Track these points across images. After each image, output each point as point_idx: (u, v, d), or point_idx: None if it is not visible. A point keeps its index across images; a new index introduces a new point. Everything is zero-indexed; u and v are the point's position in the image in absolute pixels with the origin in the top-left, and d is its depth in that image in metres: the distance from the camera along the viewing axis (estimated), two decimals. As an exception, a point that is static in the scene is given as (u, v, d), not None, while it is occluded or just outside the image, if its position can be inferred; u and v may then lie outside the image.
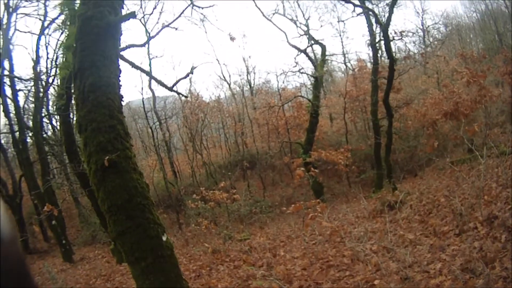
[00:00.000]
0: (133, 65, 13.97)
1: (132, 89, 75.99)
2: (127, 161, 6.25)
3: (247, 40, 52.12)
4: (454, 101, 20.95)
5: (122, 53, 12.98)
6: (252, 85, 40.02)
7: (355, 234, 11.14)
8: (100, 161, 6.01)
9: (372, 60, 25.68)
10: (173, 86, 16.25)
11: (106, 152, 5.99)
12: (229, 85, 37.91)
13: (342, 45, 40.13)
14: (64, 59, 19.00)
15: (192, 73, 17.01)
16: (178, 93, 19.12)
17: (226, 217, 23.53)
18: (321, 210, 12.10)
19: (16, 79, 23.61)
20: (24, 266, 1.43)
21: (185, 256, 15.85)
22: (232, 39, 19.02)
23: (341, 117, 32.07)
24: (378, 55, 24.86)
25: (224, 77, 37.55)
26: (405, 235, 9.40)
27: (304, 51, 25.58)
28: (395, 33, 20.12)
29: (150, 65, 27.93)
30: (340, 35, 37.53)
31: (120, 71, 6.74)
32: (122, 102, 6.59)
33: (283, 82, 36.78)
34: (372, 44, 23.55)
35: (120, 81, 6.68)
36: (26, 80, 24.87)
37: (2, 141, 28.12)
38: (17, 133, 23.37)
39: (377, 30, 23.19)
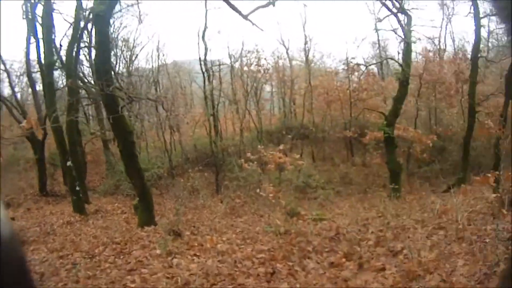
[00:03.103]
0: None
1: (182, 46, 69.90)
2: None
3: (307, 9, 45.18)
4: None
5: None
6: (308, 55, 33.77)
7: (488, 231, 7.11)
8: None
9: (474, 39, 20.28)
10: (248, 14, 13.37)
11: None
12: (287, 50, 31.57)
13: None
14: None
15: (274, 5, 13.47)
16: (253, 24, 13.90)
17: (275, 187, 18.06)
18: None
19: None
20: (24, 265, 1.39)
21: (234, 230, 10.57)
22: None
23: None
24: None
25: (282, 41, 30.77)
26: None
27: (396, 14, 20.12)
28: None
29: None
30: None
31: None
32: None
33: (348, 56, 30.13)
34: (476, 16, 19.28)
35: None
36: None
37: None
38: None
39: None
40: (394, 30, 20.81)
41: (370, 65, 25.59)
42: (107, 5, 11.85)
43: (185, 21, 53.64)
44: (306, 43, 31.93)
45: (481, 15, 19.60)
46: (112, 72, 15.38)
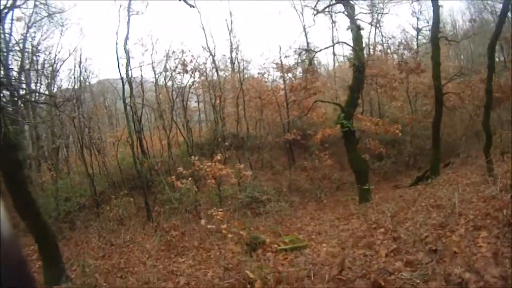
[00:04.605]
0: None
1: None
2: None
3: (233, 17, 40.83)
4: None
5: None
6: (234, 62, 29.91)
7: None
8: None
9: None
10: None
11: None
12: (213, 57, 27.31)
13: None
14: None
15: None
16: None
17: (214, 204, 14.63)
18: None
19: None
20: (25, 265, 1.37)
21: (176, 281, 6.70)
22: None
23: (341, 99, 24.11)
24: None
25: (208, 48, 26.65)
26: None
27: (343, 1, 17.32)
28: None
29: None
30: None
31: None
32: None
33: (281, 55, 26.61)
34: None
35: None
36: None
37: None
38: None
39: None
40: (345, 13, 17.62)
41: (320, 50, 22.24)
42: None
43: (110, 37, 47.88)
44: (232, 50, 28.48)
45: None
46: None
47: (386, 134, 17.76)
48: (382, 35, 29.92)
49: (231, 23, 28.15)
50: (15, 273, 1.15)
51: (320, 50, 21.85)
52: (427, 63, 21.50)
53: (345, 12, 16.97)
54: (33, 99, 14.79)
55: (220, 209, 9.44)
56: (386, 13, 23.46)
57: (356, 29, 16.63)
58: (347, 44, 18.50)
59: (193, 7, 11.23)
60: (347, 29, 17.35)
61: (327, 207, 15.46)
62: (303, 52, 21.48)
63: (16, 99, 11.18)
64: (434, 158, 16.49)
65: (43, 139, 21.42)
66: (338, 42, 20.47)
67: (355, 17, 17.56)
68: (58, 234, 16.42)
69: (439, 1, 17.36)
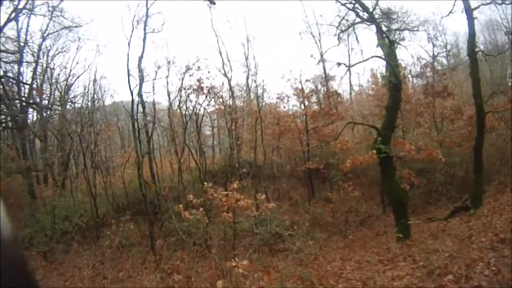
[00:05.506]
0: None
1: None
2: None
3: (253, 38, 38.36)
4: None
5: None
6: (251, 87, 28.55)
7: None
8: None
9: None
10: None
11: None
12: (229, 81, 25.51)
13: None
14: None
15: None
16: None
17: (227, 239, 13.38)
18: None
19: None
20: (25, 265, 1.35)
21: None
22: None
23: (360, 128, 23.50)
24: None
25: (225, 71, 24.91)
26: None
27: (374, 22, 15.61)
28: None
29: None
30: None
31: None
32: None
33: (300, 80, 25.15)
34: (468, 8, 14.99)
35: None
36: None
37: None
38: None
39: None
40: (378, 27, 15.68)
41: (355, 64, 20.46)
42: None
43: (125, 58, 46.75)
44: (248, 77, 27.14)
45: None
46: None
47: (425, 160, 15.39)
48: (411, 55, 28.54)
49: (248, 48, 26.57)
50: (15, 273, 1.12)
51: (356, 64, 20.38)
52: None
53: (376, 28, 15.31)
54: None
55: (245, 260, 6.70)
56: (416, 30, 21.53)
57: (388, 45, 14.88)
58: (382, 59, 16.62)
59: (214, 3, 9.70)
60: (377, 45, 15.56)
61: (355, 245, 13.29)
62: (336, 67, 20.03)
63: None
64: (476, 185, 14.21)
65: (50, 151, 20.21)
66: (372, 57, 18.67)
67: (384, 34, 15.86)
68: (50, 255, 14.86)
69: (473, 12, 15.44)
